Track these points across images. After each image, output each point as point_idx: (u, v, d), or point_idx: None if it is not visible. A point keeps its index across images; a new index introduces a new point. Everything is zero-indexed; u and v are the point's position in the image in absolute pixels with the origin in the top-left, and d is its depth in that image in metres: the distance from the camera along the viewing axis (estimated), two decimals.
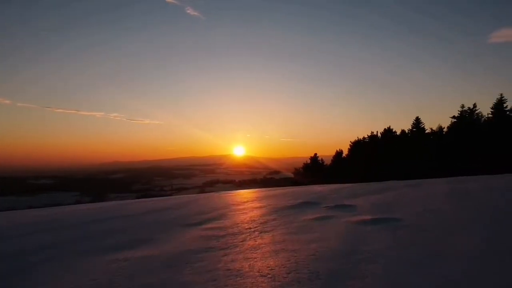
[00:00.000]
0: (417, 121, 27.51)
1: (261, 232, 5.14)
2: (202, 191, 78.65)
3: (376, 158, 29.89)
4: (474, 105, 23.52)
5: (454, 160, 21.66)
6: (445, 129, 25.76)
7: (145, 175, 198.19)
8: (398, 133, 30.36)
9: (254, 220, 6.23)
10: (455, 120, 24.30)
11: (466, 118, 23.14)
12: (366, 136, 34.72)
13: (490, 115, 22.49)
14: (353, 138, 37.93)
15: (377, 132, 33.89)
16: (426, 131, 27.26)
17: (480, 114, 23.28)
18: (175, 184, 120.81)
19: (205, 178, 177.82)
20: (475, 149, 20.85)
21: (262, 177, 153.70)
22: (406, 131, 29.14)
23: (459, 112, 24.25)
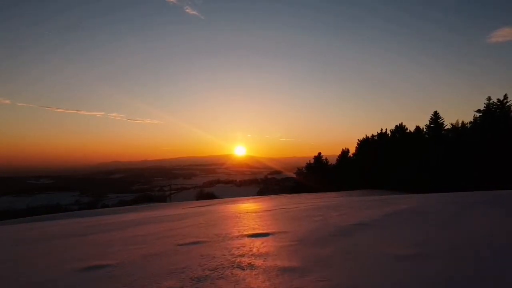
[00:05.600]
0: (436, 116, 24.90)
1: None
2: (202, 192, 76.60)
3: (386, 157, 27.67)
4: (505, 96, 20.68)
5: (479, 159, 19.34)
6: (467, 125, 23.31)
7: (145, 175, 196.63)
8: (412, 130, 27.91)
9: None
10: (480, 114, 21.88)
11: (495, 112, 20.71)
12: (376, 133, 32.45)
13: None
14: (355, 138, 35.78)
15: (386, 129, 31.68)
16: (446, 127, 24.68)
17: (511, 107, 20.67)
18: (175, 184, 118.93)
19: (205, 178, 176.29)
20: (506, 147, 18.46)
21: (263, 177, 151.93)
22: (421, 128, 26.74)
23: (485, 105, 21.84)
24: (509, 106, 20.56)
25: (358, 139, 35.03)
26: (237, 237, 4.33)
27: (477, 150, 19.72)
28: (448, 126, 24.60)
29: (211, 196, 55.62)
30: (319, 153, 38.98)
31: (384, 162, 27.53)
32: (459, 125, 23.87)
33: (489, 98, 21.37)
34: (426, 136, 25.66)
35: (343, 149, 37.22)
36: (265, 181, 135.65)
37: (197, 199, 43.34)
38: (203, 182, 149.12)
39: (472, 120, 22.79)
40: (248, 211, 8.02)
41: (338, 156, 37.73)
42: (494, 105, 21.10)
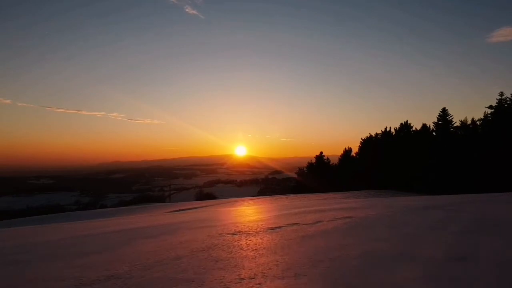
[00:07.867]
0: (444, 112, 23.95)
1: None
2: (201, 192, 75.76)
3: (391, 157, 26.79)
4: None
5: (490, 158, 18.43)
6: (477, 122, 22.35)
7: (146, 175, 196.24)
8: (418, 128, 26.96)
9: None
10: (492, 110, 20.90)
11: (509, 108, 19.76)
12: (380, 131, 31.56)
13: None
14: (357, 137, 35.01)
15: (390, 128, 30.79)
16: (454, 124, 23.69)
17: None
18: (175, 184, 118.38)
19: (206, 178, 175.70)
20: None
21: (264, 177, 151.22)
22: (428, 126, 25.79)
23: (497, 101, 20.88)
24: None
25: (361, 138, 34.21)
26: None
27: (488, 148, 18.80)
28: (457, 124, 23.67)
29: (211, 197, 54.97)
30: (321, 153, 38.19)
31: (388, 162, 26.67)
32: (469, 122, 22.94)
33: (501, 94, 20.46)
34: (434, 134, 24.73)
35: (345, 149, 36.43)
36: (266, 181, 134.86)
37: (197, 200, 42.68)
38: (204, 182, 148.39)
39: (482, 116, 21.88)
40: (240, 229, 5.13)
41: (340, 156, 36.93)
42: (508, 100, 20.17)
